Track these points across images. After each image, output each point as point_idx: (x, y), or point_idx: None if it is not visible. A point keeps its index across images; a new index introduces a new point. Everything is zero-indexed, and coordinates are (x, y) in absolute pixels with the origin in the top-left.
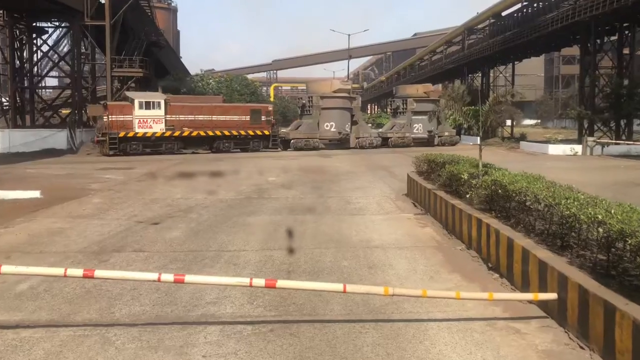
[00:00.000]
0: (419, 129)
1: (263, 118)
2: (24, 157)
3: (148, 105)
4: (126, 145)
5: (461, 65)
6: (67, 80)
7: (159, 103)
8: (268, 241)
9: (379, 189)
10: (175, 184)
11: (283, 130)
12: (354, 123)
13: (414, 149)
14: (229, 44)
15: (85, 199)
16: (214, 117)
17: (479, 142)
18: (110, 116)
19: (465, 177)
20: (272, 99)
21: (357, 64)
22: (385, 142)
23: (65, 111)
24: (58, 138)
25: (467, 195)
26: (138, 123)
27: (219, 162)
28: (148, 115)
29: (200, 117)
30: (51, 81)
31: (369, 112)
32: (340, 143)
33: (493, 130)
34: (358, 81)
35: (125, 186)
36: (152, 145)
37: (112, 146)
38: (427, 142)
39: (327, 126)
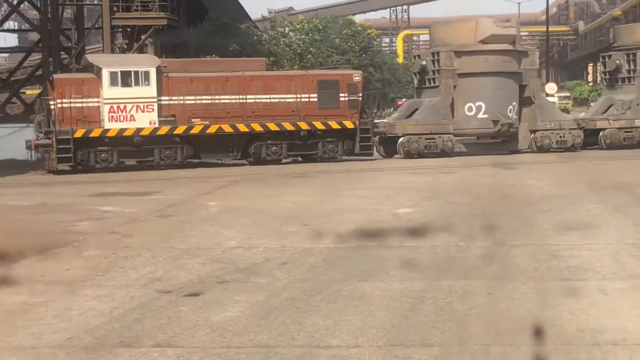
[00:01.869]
0: None
1: (343, 96)
2: None
3: (127, 79)
4: (89, 153)
5: None
6: (36, 37)
7: (146, 74)
8: (400, 329)
9: (614, 229)
10: (227, 221)
11: (382, 120)
12: (525, 102)
13: (607, 155)
14: None
15: (69, 251)
16: (250, 98)
17: None
18: (58, 100)
19: None
20: (400, 60)
21: None
22: (589, 137)
23: (31, 92)
24: (19, 141)
25: None
26: (109, 112)
27: (291, 181)
28: (127, 98)
29: (224, 99)
30: (8, 39)
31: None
32: (499, 142)
33: None
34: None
35: (138, 226)
36: (135, 153)
37: (61, 156)
38: None
39: (469, 109)
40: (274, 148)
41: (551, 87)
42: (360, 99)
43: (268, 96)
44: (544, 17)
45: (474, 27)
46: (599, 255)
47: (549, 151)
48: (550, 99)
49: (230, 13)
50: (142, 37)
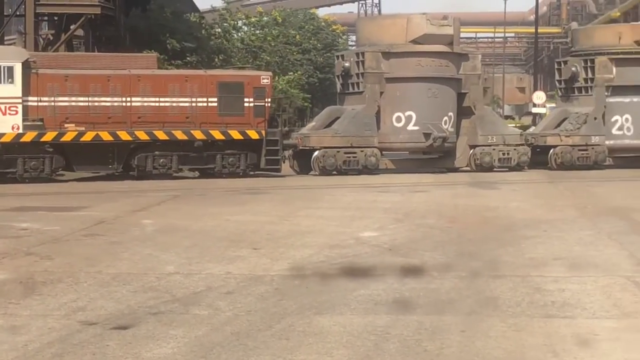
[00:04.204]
0: (627, 127)
1: (248, 102)
2: None
3: None
4: None
5: None
6: None
7: (9, 69)
8: None
9: (607, 260)
10: (164, 243)
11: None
12: (465, 113)
13: (602, 175)
14: None
15: None
16: (135, 100)
17: None
18: None
19: None
20: None
21: None
22: (539, 154)
23: None
24: None
25: None
26: None
27: (240, 197)
28: None
29: (105, 101)
30: None
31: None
32: (436, 157)
33: None
34: (558, 21)
35: (60, 246)
36: None
37: None
38: None
39: (398, 120)
40: (162, 160)
41: (539, 97)
42: (269, 104)
43: (157, 99)
44: (532, 17)
45: (405, 25)
46: (589, 290)
47: (492, 170)
48: (538, 109)
49: (174, 2)
50: (72, 27)
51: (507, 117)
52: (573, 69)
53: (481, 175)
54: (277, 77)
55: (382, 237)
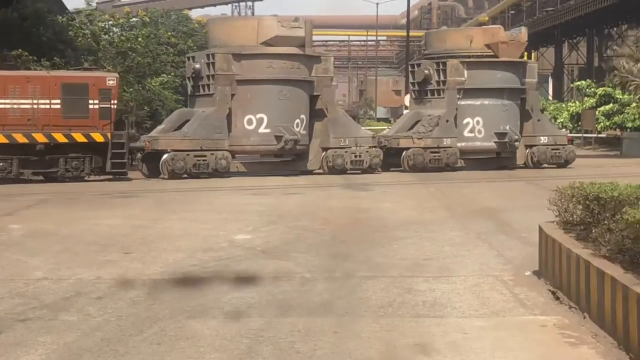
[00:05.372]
0: (478, 130)
1: (93, 104)
2: None
3: None
4: None
5: None
6: None
7: None
8: None
9: (476, 260)
10: (33, 248)
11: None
12: (318, 115)
13: (479, 176)
14: None
15: None
16: None
17: None
18: None
19: None
20: None
21: None
22: (392, 157)
23: None
24: None
25: None
26: None
27: (112, 201)
28: None
29: None
30: None
31: None
32: (289, 160)
33: None
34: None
35: None
36: None
37: None
38: (498, 156)
39: (249, 123)
40: (1, 164)
41: (410, 99)
42: (115, 106)
43: None
44: (404, 21)
45: (256, 27)
46: (459, 289)
47: (345, 172)
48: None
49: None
50: None
51: (380, 120)
52: (426, 71)
53: (354, 177)
54: (149, 79)
55: (255, 240)
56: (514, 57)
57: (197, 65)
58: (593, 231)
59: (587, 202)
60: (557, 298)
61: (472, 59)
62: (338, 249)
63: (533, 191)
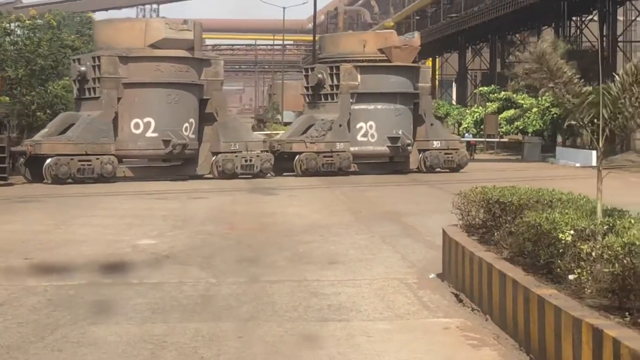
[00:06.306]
0: (372, 134)
1: None
2: None
3: None
4: None
5: None
6: None
7: None
8: None
9: (382, 264)
10: None
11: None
12: (208, 119)
13: (375, 180)
14: None
15: None
16: None
17: (595, 163)
18: None
19: (568, 239)
20: None
21: None
22: (286, 161)
23: None
24: None
25: (572, 277)
26: None
27: (10, 206)
28: None
29: None
30: None
31: None
32: (179, 165)
33: (623, 138)
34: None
35: None
36: None
37: None
38: (391, 160)
39: (136, 127)
40: None
41: None
42: None
43: None
44: (311, 25)
45: (143, 29)
46: (364, 293)
47: (236, 177)
48: None
49: None
50: None
51: (287, 124)
52: (319, 75)
53: (259, 182)
54: (52, 82)
55: (160, 245)
56: (407, 61)
57: (83, 68)
58: (495, 234)
59: (489, 205)
60: (460, 300)
61: (365, 64)
62: (244, 254)
63: (437, 194)
